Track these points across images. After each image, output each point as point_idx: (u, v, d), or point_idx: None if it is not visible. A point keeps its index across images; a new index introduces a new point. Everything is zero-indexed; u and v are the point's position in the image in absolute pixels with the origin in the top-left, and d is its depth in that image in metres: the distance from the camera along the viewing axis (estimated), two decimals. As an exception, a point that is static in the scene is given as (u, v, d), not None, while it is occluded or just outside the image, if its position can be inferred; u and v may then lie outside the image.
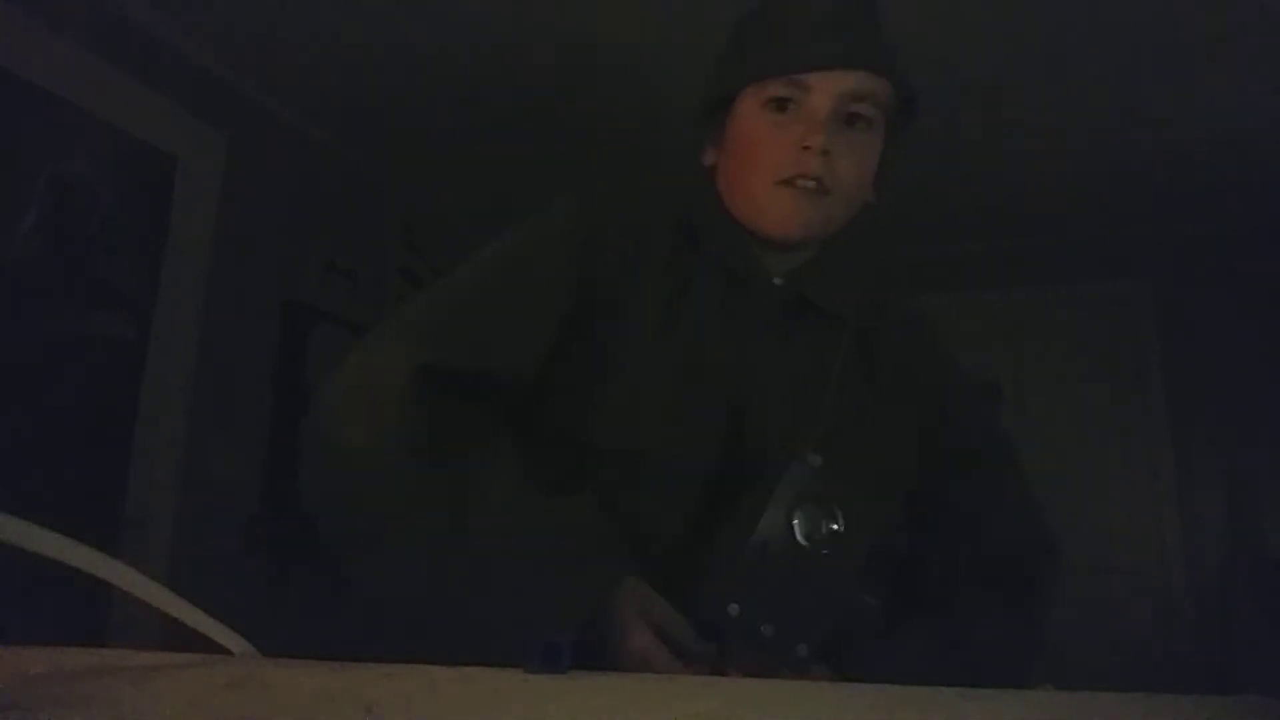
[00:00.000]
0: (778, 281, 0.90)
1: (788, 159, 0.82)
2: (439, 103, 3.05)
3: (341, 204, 3.37)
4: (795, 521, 0.73)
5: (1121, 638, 3.55)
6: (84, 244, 2.38)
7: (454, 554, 0.70)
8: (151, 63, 2.58)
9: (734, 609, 0.70)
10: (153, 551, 2.51)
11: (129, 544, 2.43)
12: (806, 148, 0.81)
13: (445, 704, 0.35)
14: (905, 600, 0.85)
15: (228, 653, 0.49)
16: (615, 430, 0.81)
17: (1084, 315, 3.90)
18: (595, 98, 2.99)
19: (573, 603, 0.68)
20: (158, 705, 0.33)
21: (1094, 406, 3.81)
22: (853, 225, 0.90)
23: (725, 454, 0.82)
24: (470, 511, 0.71)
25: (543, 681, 0.42)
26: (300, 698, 0.36)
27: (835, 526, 0.73)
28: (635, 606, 0.70)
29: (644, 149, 3.23)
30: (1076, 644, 3.59)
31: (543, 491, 0.74)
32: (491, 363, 0.80)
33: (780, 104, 0.83)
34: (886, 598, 0.83)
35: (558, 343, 0.83)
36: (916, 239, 4.01)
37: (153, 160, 2.61)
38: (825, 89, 0.82)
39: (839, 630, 0.74)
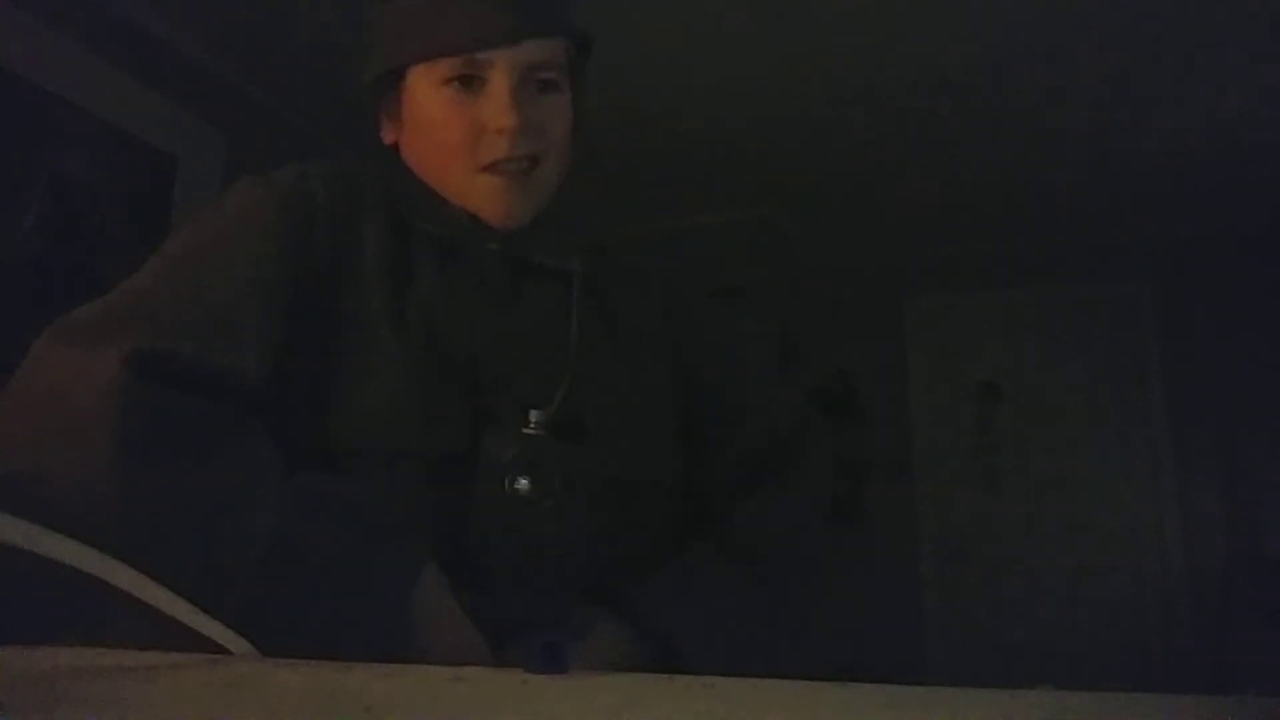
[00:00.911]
0: (493, 246, 0.83)
1: (483, 144, 0.77)
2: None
3: (341, 204, 3.37)
4: (519, 484, 0.72)
5: (1121, 638, 3.55)
6: (84, 244, 2.38)
7: (204, 543, 0.58)
8: (151, 63, 2.58)
9: (486, 583, 0.69)
10: (153, 551, 2.50)
11: (129, 544, 2.43)
12: (500, 130, 0.76)
13: (445, 704, 0.36)
14: (686, 528, 0.85)
15: (228, 653, 0.48)
16: (355, 428, 0.72)
17: (1084, 315, 3.90)
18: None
19: (382, 600, 0.62)
20: (158, 705, 0.33)
21: (1094, 406, 3.81)
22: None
23: (471, 431, 0.75)
24: (225, 521, 0.59)
25: (543, 681, 0.42)
26: (300, 698, 0.36)
27: (558, 484, 0.73)
28: (441, 594, 0.65)
29: (642, 148, 3.23)
30: (1077, 644, 3.60)
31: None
32: (217, 356, 0.67)
33: (460, 81, 0.77)
34: (662, 533, 0.83)
35: (281, 338, 0.72)
36: (917, 239, 4.01)
37: (153, 160, 2.61)
38: (505, 66, 0.76)
39: (608, 578, 0.74)
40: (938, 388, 4.04)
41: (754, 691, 0.40)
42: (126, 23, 2.51)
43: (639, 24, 2.56)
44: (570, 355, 0.81)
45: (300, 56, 2.79)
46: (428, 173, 0.82)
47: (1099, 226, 3.83)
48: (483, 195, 0.79)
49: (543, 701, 0.36)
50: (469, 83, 0.77)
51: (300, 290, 0.74)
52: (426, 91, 0.79)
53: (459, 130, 0.77)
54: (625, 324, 0.89)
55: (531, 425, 0.74)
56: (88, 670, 0.42)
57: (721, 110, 2.94)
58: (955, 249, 4.06)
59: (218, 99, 2.81)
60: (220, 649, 0.48)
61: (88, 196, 2.40)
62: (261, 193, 0.78)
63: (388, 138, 0.87)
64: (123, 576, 0.43)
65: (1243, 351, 3.57)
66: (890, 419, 4.03)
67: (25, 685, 0.36)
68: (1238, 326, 3.60)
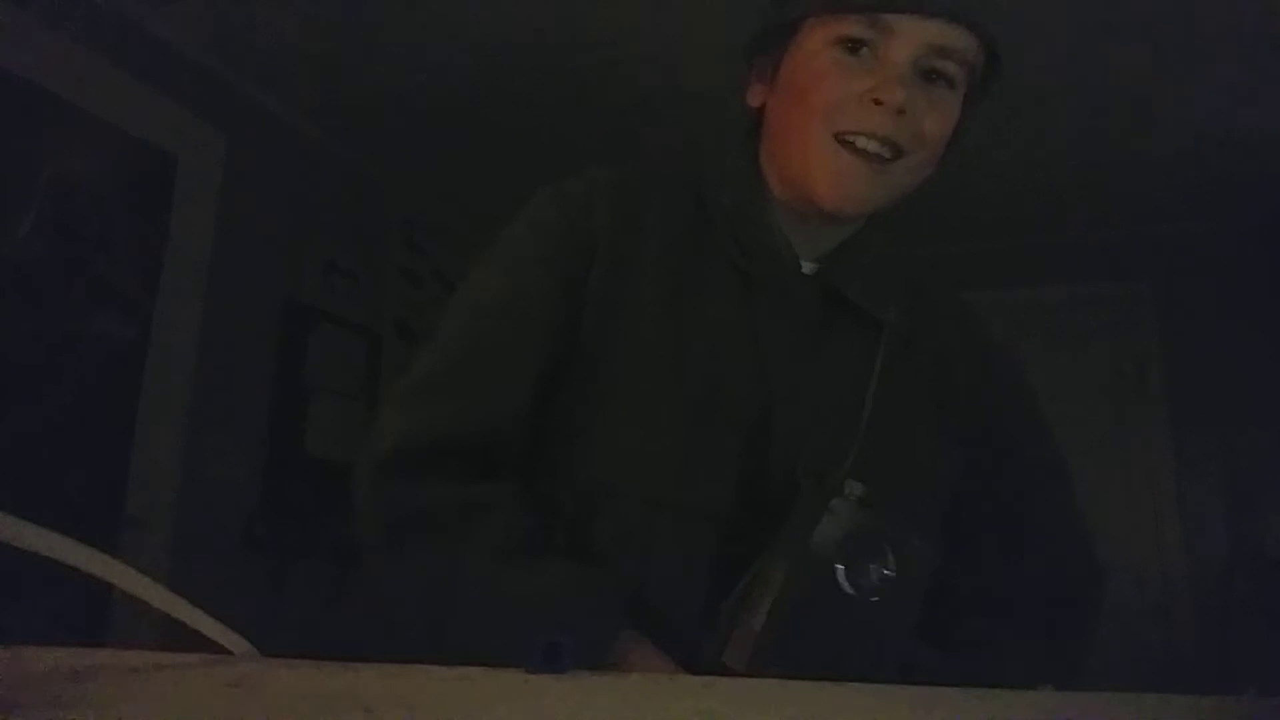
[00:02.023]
0: (806, 269, 0.76)
1: (852, 109, 0.69)
2: (438, 103, 3.04)
3: (341, 204, 3.37)
4: (840, 567, 0.62)
5: (1121, 638, 3.55)
6: (84, 244, 2.38)
7: (443, 628, 0.66)
8: (151, 63, 2.58)
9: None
10: (153, 551, 2.50)
11: (129, 544, 2.43)
12: (878, 102, 0.68)
13: (445, 704, 0.35)
14: (935, 634, 0.73)
15: (228, 653, 0.48)
16: (614, 470, 0.69)
17: (1084, 315, 3.89)
18: (594, 96, 2.98)
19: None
20: (158, 705, 0.33)
21: (1094, 407, 3.81)
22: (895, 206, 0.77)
23: (746, 488, 0.69)
24: (454, 589, 0.66)
25: (543, 681, 0.42)
26: (300, 698, 0.36)
27: (887, 571, 0.62)
28: (633, 667, 0.61)
29: (644, 147, 3.23)
30: (1076, 644, 3.59)
31: (535, 551, 0.66)
32: (471, 425, 0.71)
33: (853, 45, 0.70)
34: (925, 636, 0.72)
35: (552, 374, 0.72)
36: (917, 239, 4.00)
37: (153, 160, 2.61)
38: (910, 36, 0.68)
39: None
40: (938, 388, 4.04)
41: (754, 691, 0.40)
42: (126, 23, 2.51)
43: (635, 23, 2.56)
44: (863, 420, 0.71)
45: (300, 56, 2.79)
46: (781, 139, 0.75)
47: (1099, 226, 3.82)
48: (827, 166, 0.70)
49: (543, 701, 0.36)
50: (861, 47, 0.70)
51: (576, 323, 0.72)
52: (815, 48, 0.72)
53: (833, 92, 0.70)
54: (930, 390, 0.78)
55: (849, 498, 0.64)
56: (88, 670, 0.42)
57: (724, 110, 2.94)
58: (956, 249, 4.06)
59: (218, 99, 2.81)
60: (220, 649, 0.48)
61: (88, 196, 2.40)
62: (546, 221, 0.77)
63: (754, 100, 0.80)
64: (123, 576, 0.43)
65: (1243, 351, 3.57)
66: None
67: (25, 685, 0.35)
68: (1238, 326, 3.60)
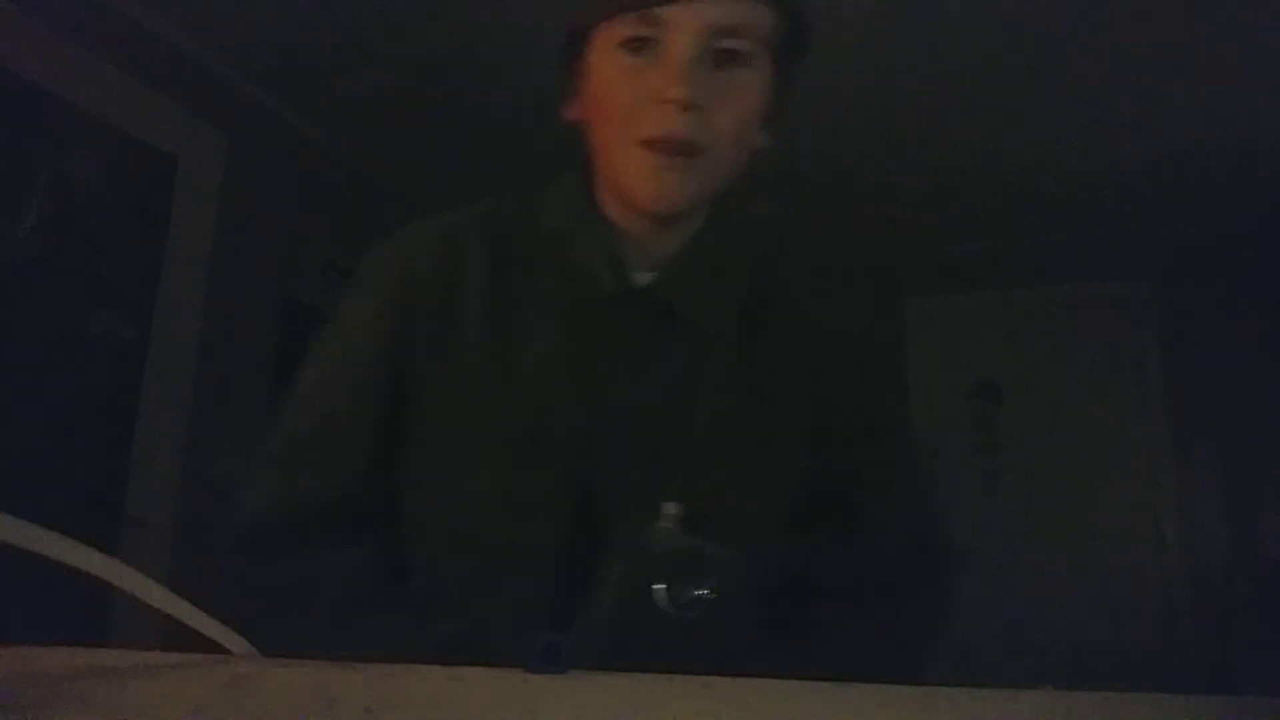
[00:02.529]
0: (645, 280, 0.74)
1: (646, 114, 0.67)
2: (438, 102, 3.04)
3: (341, 204, 3.37)
4: (655, 590, 0.61)
5: (1121, 638, 3.55)
6: (84, 244, 2.38)
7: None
8: (151, 63, 2.58)
9: None
10: (153, 551, 2.50)
11: (129, 544, 2.43)
12: (666, 101, 0.66)
13: (445, 704, 0.35)
14: (784, 619, 0.72)
15: (228, 653, 0.48)
16: (450, 517, 0.70)
17: (1084, 315, 3.90)
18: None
19: None
20: (158, 705, 0.33)
21: (1094, 406, 3.81)
22: (742, 195, 0.76)
23: (579, 520, 0.68)
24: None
25: (543, 681, 0.42)
26: (300, 698, 0.36)
27: (707, 590, 0.61)
28: None
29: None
30: (1077, 644, 3.59)
31: (373, 609, 0.67)
32: (308, 496, 0.72)
33: (635, 45, 0.68)
34: (768, 623, 0.71)
35: (392, 434, 0.72)
36: (917, 239, 4.01)
37: (153, 160, 2.61)
38: (686, 25, 0.66)
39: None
40: (938, 388, 4.04)
41: (753, 691, 0.40)
42: (126, 23, 2.51)
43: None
44: (698, 434, 0.70)
45: (300, 56, 2.79)
46: (598, 151, 0.74)
47: (1099, 226, 3.82)
48: (636, 171, 0.69)
49: (543, 701, 0.36)
50: (643, 46, 0.68)
51: (408, 381, 0.72)
52: (601, 54, 0.70)
53: (624, 97, 0.68)
54: (770, 392, 0.75)
55: (665, 520, 0.64)
56: (88, 670, 0.42)
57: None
58: (955, 249, 4.06)
59: (218, 99, 2.81)
60: (220, 649, 0.48)
61: (88, 196, 2.40)
62: (369, 285, 0.77)
63: (568, 114, 0.78)
64: (123, 576, 0.43)
65: (1243, 351, 3.57)
66: (890, 419, 4.02)
67: (25, 685, 0.35)
68: (1238, 326, 3.60)
